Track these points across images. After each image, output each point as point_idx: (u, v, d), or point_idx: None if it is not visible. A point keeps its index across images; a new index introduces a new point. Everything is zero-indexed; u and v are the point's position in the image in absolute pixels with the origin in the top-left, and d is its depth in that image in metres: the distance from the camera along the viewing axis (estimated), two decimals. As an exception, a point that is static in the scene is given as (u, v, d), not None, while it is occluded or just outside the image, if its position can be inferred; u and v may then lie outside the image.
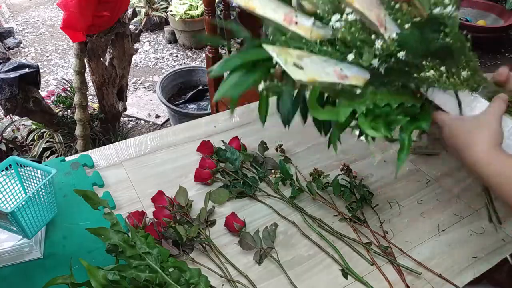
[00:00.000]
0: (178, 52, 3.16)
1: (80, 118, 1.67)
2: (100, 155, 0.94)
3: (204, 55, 2.91)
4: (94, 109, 2.03)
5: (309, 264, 0.72)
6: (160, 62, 3.03)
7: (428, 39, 0.57)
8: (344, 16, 0.57)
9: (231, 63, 0.58)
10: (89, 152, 0.94)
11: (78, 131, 1.69)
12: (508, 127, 0.58)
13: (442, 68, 0.57)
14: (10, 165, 0.72)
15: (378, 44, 0.56)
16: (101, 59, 1.72)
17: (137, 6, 3.21)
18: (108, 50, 1.75)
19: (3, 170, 0.72)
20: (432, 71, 0.57)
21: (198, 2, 3.06)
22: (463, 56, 0.59)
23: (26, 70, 1.60)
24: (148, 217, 0.76)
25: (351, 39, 0.57)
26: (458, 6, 0.61)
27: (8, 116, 1.95)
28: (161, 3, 3.28)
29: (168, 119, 2.41)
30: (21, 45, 3.18)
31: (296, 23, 0.60)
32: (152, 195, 0.80)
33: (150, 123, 2.41)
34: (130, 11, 1.79)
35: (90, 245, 0.71)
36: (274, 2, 0.61)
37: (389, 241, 0.75)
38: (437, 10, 0.57)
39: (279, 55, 0.54)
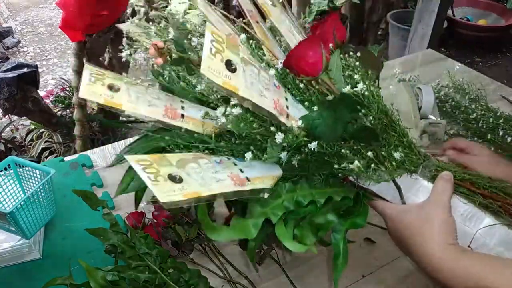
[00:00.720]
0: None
1: (79, 118, 1.66)
2: (99, 155, 0.93)
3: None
4: (93, 109, 2.03)
5: (310, 265, 0.72)
6: (160, 62, 3.03)
7: (343, 122, 0.47)
8: (228, 109, 0.44)
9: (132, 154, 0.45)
10: (88, 152, 0.94)
11: (77, 131, 1.69)
12: (461, 211, 0.50)
13: (370, 154, 0.47)
14: (9, 165, 0.72)
15: (279, 138, 0.44)
16: (100, 58, 1.71)
17: (136, 5, 3.20)
18: (107, 49, 1.75)
19: (1, 170, 0.71)
20: (356, 162, 0.46)
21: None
22: (394, 134, 0.50)
23: (25, 70, 1.59)
24: (147, 218, 0.75)
25: (246, 134, 0.46)
26: (376, 79, 0.52)
27: (6, 116, 1.95)
28: (161, 2, 3.28)
29: (167, 119, 2.40)
30: (20, 44, 3.18)
31: (183, 116, 0.50)
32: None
33: (150, 122, 2.41)
34: (129, 10, 1.78)
35: (89, 246, 0.71)
36: (153, 94, 0.51)
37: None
38: (347, 88, 0.47)
39: (148, 167, 0.40)
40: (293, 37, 0.58)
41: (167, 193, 0.38)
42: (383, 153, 0.49)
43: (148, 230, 0.71)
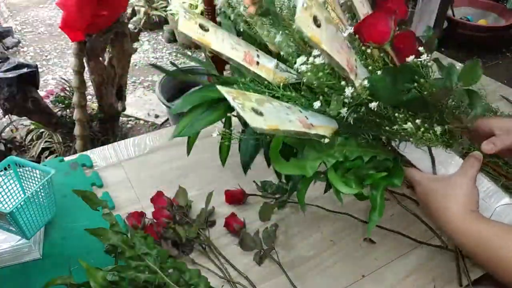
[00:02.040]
0: (178, 51, 3.15)
1: (79, 118, 1.66)
2: (99, 155, 0.93)
3: (203, 54, 2.91)
4: (93, 109, 2.03)
5: (310, 265, 0.72)
6: (160, 62, 3.03)
7: (400, 89, 0.52)
8: (311, 58, 0.50)
9: (190, 101, 0.56)
10: (88, 152, 0.94)
11: (77, 131, 1.69)
12: (484, 187, 0.55)
13: (418, 121, 0.52)
14: (8, 165, 0.72)
15: (349, 91, 0.49)
16: (100, 58, 1.71)
17: (136, 5, 3.20)
18: (107, 49, 1.75)
19: (1, 170, 0.71)
20: (410, 124, 0.52)
21: (198, 1, 3.05)
22: (440, 109, 0.55)
23: (25, 70, 1.59)
24: (147, 218, 0.76)
25: (318, 85, 0.51)
26: (432, 52, 0.56)
27: (6, 116, 1.94)
28: (161, 2, 3.27)
29: (167, 119, 2.40)
30: (20, 44, 3.18)
31: (258, 63, 0.56)
32: (152, 196, 0.80)
33: (149, 123, 2.41)
34: (129, 10, 1.78)
35: (89, 246, 0.70)
36: (234, 39, 0.57)
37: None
38: (410, 58, 0.52)
39: (236, 98, 0.47)
40: (363, 7, 0.63)
41: (254, 122, 0.45)
42: (426, 125, 0.53)
43: (148, 230, 0.72)
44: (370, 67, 0.55)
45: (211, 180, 0.88)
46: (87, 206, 0.62)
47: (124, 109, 2.01)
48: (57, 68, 2.91)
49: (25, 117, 1.76)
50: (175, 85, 2.45)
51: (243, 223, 0.76)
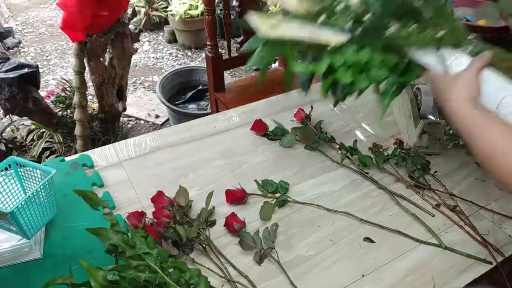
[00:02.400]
0: (178, 51, 3.16)
1: (79, 118, 1.66)
2: (99, 155, 0.94)
3: (204, 55, 2.91)
4: (93, 109, 2.03)
5: (309, 264, 0.72)
6: (160, 62, 3.03)
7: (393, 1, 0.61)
8: None
9: (259, 40, 0.64)
10: (89, 152, 0.94)
11: (77, 131, 1.69)
12: (491, 82, 0.60)
13: (414, 26, 0.61)
14: (9, 165, 0.72)
15: (340, 6, 0.61)
16: (101, 58, 1.72)
17: (136, 6, 3.20)
18: (107, 49, 1.75)
19: (2, 170, 0.72)
20: (413, 27, 0.61)
21: (198, 2, 3.05)
22: (436, 16, 0.63)
23: (26, 70, 1.59)
24: (148, 217, 0.76)
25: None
26: None
27: (7, 116, 1.95)
28: (161, 2, 3.28)
29: (168, 119, 2.41)
30: (21, 45, 3.18)
31: None
32: (152, 195, 0.80)
33: (150, 123, 2.41)
34: (129, 10, 1.79)
35: (89, 246, 0.71)
36: None
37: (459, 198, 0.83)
38: None
39: (258, 21, 0.62)
40: None
41: (266, 31, 0.62)
42: (427, 29, 0.61)
43: (148, 230, 0.72)
44: None
45: (211, 180, 0.88)
46: (87, 206, 0.63)
47: (124, 109, 2.01)
48: (58, 68, 2.91)
49: (26, 117, 1.77)
50: (175, 86, 2.46)
51: (243, 222, 0.76)
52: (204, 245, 0.73)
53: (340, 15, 0.62)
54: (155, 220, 0.75)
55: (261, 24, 0.62)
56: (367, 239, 0.76)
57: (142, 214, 0.75)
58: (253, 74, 2.75)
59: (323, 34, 0.63)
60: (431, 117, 0.95)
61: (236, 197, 0.82)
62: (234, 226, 0.75)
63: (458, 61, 0.63)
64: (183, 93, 2.46)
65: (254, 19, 0.63)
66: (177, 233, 0.71)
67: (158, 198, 0.79)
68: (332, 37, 0.63)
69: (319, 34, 0.63)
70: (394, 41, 0.62)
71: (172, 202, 0.78)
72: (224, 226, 0.76)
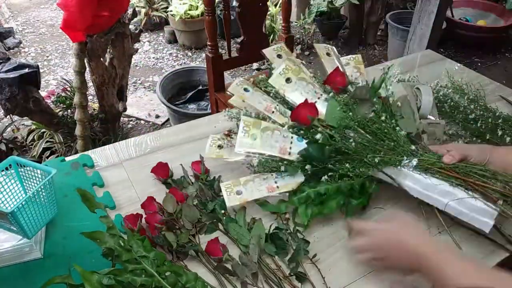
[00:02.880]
0: (178, 52, 3.16)
1: (80, 118, 1.67)
2: (100, 155, 0.94)
3: (204, 55, 2.91)
4: (94, 109, 2.03)
5: (309, 265, 0.72)
6: (160, 62, 3.03)
7: (325, 150, 0.77)
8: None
9: None
10: (89, 152, 0.94)
11: (78, 131, 1.69)
12: (437, 189, 0.72)
13: (347, 165, 0.76)
14: (10, 165, 0.72)
15: (283, 167, 0.79)
16: (101, 59, 1.72)
17: (137, 6, 3.21)
18: (108, 50, 1.75)
19: (3, 170, 0.72)
20: (347, 165, 0.76)
21: (198, 2, 3.06)
22: (370, 149, 0.77)
23: (26, 70, 1.60)
24: (144, 219, 0.75)
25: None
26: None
27: (8, 116, 1.95)
28: (161, 3, 3.28)
29: (168, 119, 2.41)
30: (21, 45, 3.18)
31: (273, 112, 0.87)
32: (152, 195, 0.80)
33: (150, 123, 2.41)
34: (130, 11, 1.79)
35: (90, 245, 0.70)
36: (262, 96, 0.89)
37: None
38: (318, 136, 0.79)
39: (245, 127, 0.82)
40: (301, 97, 0.88)
41: (232, 201, 0.78)
42: (365, 159, 0.76)
43: (144, 233, 0.71)
44: (306, 140, 0.82)
45: (211, 180, 0.88)
46: (88, 205, 0.63)
47: (125, 109, 2.01)
48: (58, 69, 2.92)
49: (26, 117, 1.77)
50: (176, 86, 2.46)
51: (221, 252, 0.70)
52: (196, 251, 0.71)
53: (291, 166, 0.78)
54: (147, 224, 0.74)
55: (229, 191, 0.79)
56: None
57: (137, 217, 0.73)
58: (253, 74, 2.75)
59: (286, 185, 0.78)
60: (430, 117, 0.95)
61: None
62: (214, 254, 0.70)
63: (404, 175, 0.75)
64: (183, 93, 2.46)
65: (224, 190, 0.79)
66: (167, 240, 0.70)
67: (148, 204, 0.77)
68: (292, 183, 0.78)
69: (276, 185, 0.78)
70: (338, 173, 0.76)
71: (162, 208, 0.76)
72: (205, 251, 0.71)
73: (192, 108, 2.38)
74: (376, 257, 0.66)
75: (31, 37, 3.32)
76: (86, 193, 0.62)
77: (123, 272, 0.59)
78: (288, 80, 0.88)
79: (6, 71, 1.58)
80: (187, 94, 2.41)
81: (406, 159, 0.74)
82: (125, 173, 0.89)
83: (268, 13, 2.27)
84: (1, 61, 1.64)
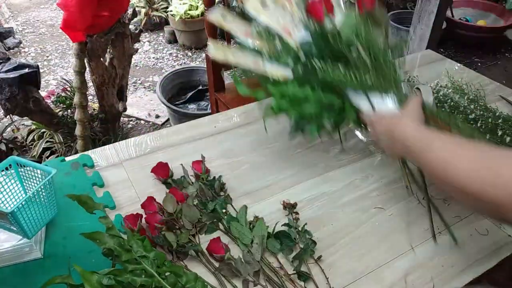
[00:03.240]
0: (178, 52, 3.16)
1: (80, 118, 1.67)
2: (100, 155, 0.94)
3: (204, 55, 2.91)
4: (94, 109, 2.03)
5: (309, 265, 0.72)
6: (160, 62, 3.03)
7: (325, 45, 0.75)
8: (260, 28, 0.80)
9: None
10: (89, 152, 0.94)
11: (78, 131, 1.69)
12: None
13: (341, 69, 0.73)
14: (10, 165, 0.72)
15: (279, 45, 0.76)
16: (101, 59, 1.72)
17: (137, 6, 3.21)
18: (108, 50, 1.75)
19: (3, 170, 0.72)
20: (341, 70, 0.73)
21: (198, 2, 3.06)
22: (365, 62, 0.74)
23: (26, 70, 1.60)
24: (144, 219, 0.75)
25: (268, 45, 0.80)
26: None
27: (8, 116, 1.95)
28: (161, 3, 3.28)
29: (168, 119, 2.41)
30: (21, 45, 3.18)
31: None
32: (153, 195, 0.80)
33: (150, 123, 2.41)
34: (130, 11, 1.79)
35: (90, 245, 0.70)
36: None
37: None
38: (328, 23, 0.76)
39: (216, 49, 0.80)
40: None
41: (215, 53, 0.83)
42: (356, 73, 0.73)
43: (144, 233, 0.71)
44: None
45: (211, 180, 0.88)
46: (88, 205, 0.62)
47: (125, 109, 2.01)
48: (58, 69, 2.92)
49: (26, 117, 1.77)
50: (176, 86, 2.46)
51: (224, 250, 0.70)
52: (196, 251, 0.71)
53: (283, 54, 0.75)
54: (147, 224, 0.73)
55: (214, 51, 0.79)
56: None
57: (137, 217, 0.73)
58: (253, 74, 2.75)
59: (269, 68, 0.76)
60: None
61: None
62: (214, 257, 0.70)
63: (384, 107, 0.73)
64: (183, 93, 2.46)
65: (210, 47, 0.78)
66: (167, 241, 0.70)
67: (148, 204, 0.77)
68: (276, 72, 0.76)
69: (265, 67, 0.75)
70: (328, 82, 0.74)
71: (162, 208, 0.76)
72: (207, 250, 0.71)
73: (192, 108, 2.38)
74: (377, 144, 0.73)
75: (31, 37, 3.32)
76: (81, 197, 0.62)
77: (123, 272, 0.59)
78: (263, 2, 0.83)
79: (6, 71, 1.58)
80: (187, 94, 2.41)
81: (392, 92, 0.74)
82: (125, 173, 0.89)
83: (268, 13, 2.27)
84: (1, 61, 1.64)
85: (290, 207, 0.79)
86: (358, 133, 1.02)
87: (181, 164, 0.89)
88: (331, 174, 0.90)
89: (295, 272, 0.69)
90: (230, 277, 0.68)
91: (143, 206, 0.78)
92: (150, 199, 0.78)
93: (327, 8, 0.79)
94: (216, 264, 0.70)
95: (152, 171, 0.86)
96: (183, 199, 0.79)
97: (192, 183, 0.85)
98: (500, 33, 3.07)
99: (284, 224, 0.76)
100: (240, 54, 0.78)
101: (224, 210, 0.79)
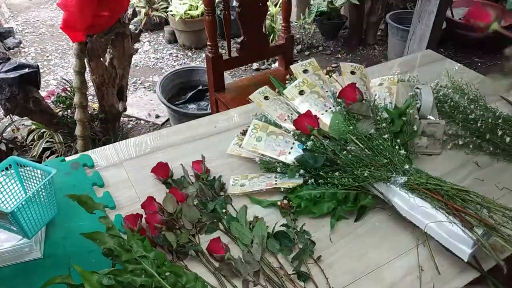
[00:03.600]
0: (178, 52, 3.16)
1: (80, 118, 1.67)
2: (100, 155, 0.94)
3: (204, 55, 2.91)
4: (94, 109, 2.03)
5: (310, 265, 0.72)
6: (160, 62, 3.03)
7: (317, 158, 0.81)
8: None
9: None
10: (89, 152, 0.94)
11: (78, 131, 1.69)
12: (420, 209, 0.73)
13: (337, 174, 0.79)
14: (10, 165, 0.72)
15: (279, 168, 0.84)
16: (101, 59, 1.72)
17: (137, 6, 3.21)
18: (108, 50, 1.75)
19: (3, 170, 0.72)
20: (337, 174, 0.80)
21: (198, 2, 3.06)
22: (362, 162, 0.79)
23: (26, 70, 1.60)
24: (144, 219, 0.75)
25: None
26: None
27: (8, 116, 1.95)
28: (161, 3, 3.28)
29: (168, 119, 2.41)
30: (21, 45, 3.18)
31: (285, 120, 0.92)
32: (153, 195, 0.80)
33: (150, 123, 2.41)
34: (130, 11, 1.79)
35: (90, 245, 0.70)
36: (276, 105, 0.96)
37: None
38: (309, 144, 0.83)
39: (253, 128, 0.89)
40: (310, 108, 0.92)
41: (234, 190, 0.84)
42: (355, 172, 0.79)
43: (144, 233, 0.71)
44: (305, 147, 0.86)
45: (211, 180, 0.88)
46: (88, 205, 0.62)
47: (125, 109, 2.01)
48: (58, 69, 2.92)
49: (26, 117, 1.77)
50: (176, 86, 2.46)
51: (224, 250, 0.71)
52: (196, 251, 0.71)
53: (289, 168, 0.82)
54: (147, 224, 0.73)
55: (238, 182, 0.85)
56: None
57: (137, 217, 0.73)
58: (253, 74, 2.75)
59: (284, 183, 0.82)
60: (430, 117, 0.95)
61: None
62: (214, 256, 0.71)
63: (393, 193, 0.76)
64: (183, 93, 2.46)
65: (235, 181, 0.85)
66: (167, 240, 0.70)
67: (148, 204, 0.77)
68: (290, 183, 0.82)
69: (275, 182, 0.83)
70: (336, 181, 0.79)
71: (162, 208, 0.76)
72: (207, 250, 0.72)
73: (192, 108, 2.38)
74: None
75: (31, 37, 3.32)
76: (81, 197, 0.62)
77: (123, 272, 0.59)
78: (301, 92, 0.95)
79: (6, 71, 1.58)
80: (187, 94, 2.41)
81: (396, 176, 0.76)
82: (125, 173, 0.89)
83: (268, 13, 2.27)
84: (1, 61, 1.64)
85: (288, 208, 0.79)
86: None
87: (181, 164, 0.89)
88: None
89: (294, 272, 0.69)
90: (230, 277, 0.68)
91: (143, 206, 0.78)
92: (150, 199, 0.78)
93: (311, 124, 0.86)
94: (216, 264, 0.70)
95: (152, 171, 0.86)
96: (183, 199, 0.79)
97: (192, 183, 0.85)
98: (501, 33, 3.07)
99: (283, 225, 0.76)
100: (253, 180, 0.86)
101: (224, 210, 0.79)
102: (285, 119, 0.92)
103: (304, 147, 0.84)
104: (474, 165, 0.93)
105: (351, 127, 0.84)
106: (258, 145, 0.87)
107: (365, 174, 0.77)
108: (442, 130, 0.93)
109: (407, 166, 0.77)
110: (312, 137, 0.84)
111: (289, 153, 0.85)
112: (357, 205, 0.80)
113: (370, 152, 0.81)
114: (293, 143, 0.87)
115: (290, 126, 0.90)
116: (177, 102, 2.35)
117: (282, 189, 0.83)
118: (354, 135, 0.83)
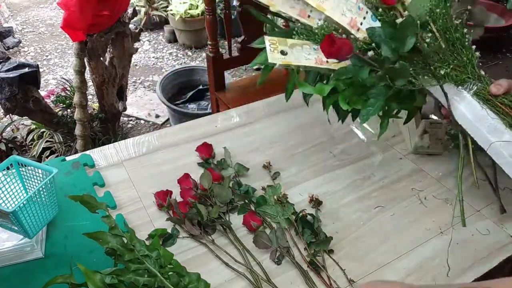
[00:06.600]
0: (178, 51, 3.16)
1: (80, 117, 1.66)
2: (100, 155, 0.94)
3: (204, 54, 2.91)
4: (94, 109, 2.03)
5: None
6: (160, 62, 3.03)
7: (401, 39, 0.67)
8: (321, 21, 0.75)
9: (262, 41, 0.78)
10: (89, 152, 0.94)
11: (78, 130, 1.69)
12: (487, 123, 0.66)
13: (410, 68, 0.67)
14: (11, 164, 0.72)
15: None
16: (101, 58, 1.72)
17: (137, 5, 3.21)
18: (108, 49, 1.75)
19: (4, 170, 0.72)
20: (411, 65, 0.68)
21: (198, 1, 3.05)
22: (440, 56, 0.69)
23: (26, 70, 1.59)
24: (179, 193, 0.80)
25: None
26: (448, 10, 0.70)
27: (7, 116, 1.95)
28: (161, 2, 3.28)
29: (168, 119, 2.41)
30: (21, 44, 3.18)
31: (309, 16, 0.79)
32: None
33: (150, 122, 2.41)
34: (130, 10, 1.79)
35: (91, 245, 0.70)
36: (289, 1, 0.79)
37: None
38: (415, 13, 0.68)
39: (272, 44, 0.73)
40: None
41: (274, 59, 0.71)
42: (432, 67, 0.68)
43: (172, 209, 0.77)
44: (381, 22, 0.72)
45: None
46: (89, 205, 0.62)
47: (125, 109, 2.01)
48: (58, 68, 2.91)
49: (26, 117, 1.77)
50: (176, 85, 2.46)
51: (261, 221, 0.76)
52: (224, 226, 0.76)
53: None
54: (181, 199, 0.79)
55: (273, 46, 0.73)
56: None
57: (166, 193, 0.79)
58: (254, 74, 2.75)
59: (331, 61, 0.70)
60: (432, 116, 0.95)
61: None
62: (251, 224, 0.75)
63: (461, 97, 0.68)
64: (183, 93, 2.46)
65: (267, 41, 0.73)
66: (200, 212, 0.74)
67: (184, 179, 0.83)
68: (338, 64, 0.70)
69: (325, 60, 0.70)
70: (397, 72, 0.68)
71: (197, 185, 0.82)
72: (242, 223, 0.77)
73: (192, 107, 2.38)
74: None
75: (30, 37, 3.32)
76: (84, 197, 0.62)
77: (125, 272, 0.59)
78: None
79: (6, 71, 1.57)
80: (187, 94, 2.41)
81: (472, 81, 0.67)
82: (125, 173, 0.89)
83: (268, 12, 2.27)
84: (1, 60, 1.64)
85: (316, 202, 0.82)
86: (359, 132, 1.02)
87: (224, 147, 0.92)
88: (332, 174, 0.90)
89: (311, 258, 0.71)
90: (261, 248, 0.72)
91: (179, 181, 0.83)
92: (186, 175, 0.84)
93: None
94: (243, 240, 0.74)
95: (196, 150, 0.92)
96: (219, 179, 0.84)
97: (232, 166, 0.89)
98: (502, 33, 3.07)
99: (310, 214, 0.78)
100: (297, 51, 0.72)
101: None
102: (308, 15, 0.77)
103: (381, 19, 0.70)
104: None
105: (437, 10, 0.69)
106: (286, 58, 0.72)
107: (442, 72, 0.67)
108: (444, 130, 0.93)
109: (483, 73, 0.70)
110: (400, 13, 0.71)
111: (361, 24, 0.72)
112: (410, 104, 0.72)
113: (447, 46, 0.69)
114: (367, 12, 0.73)
115: (310, 22, 0.75)
116: (177, 102, 2.35)
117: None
118: (438, 19, 0.69)
